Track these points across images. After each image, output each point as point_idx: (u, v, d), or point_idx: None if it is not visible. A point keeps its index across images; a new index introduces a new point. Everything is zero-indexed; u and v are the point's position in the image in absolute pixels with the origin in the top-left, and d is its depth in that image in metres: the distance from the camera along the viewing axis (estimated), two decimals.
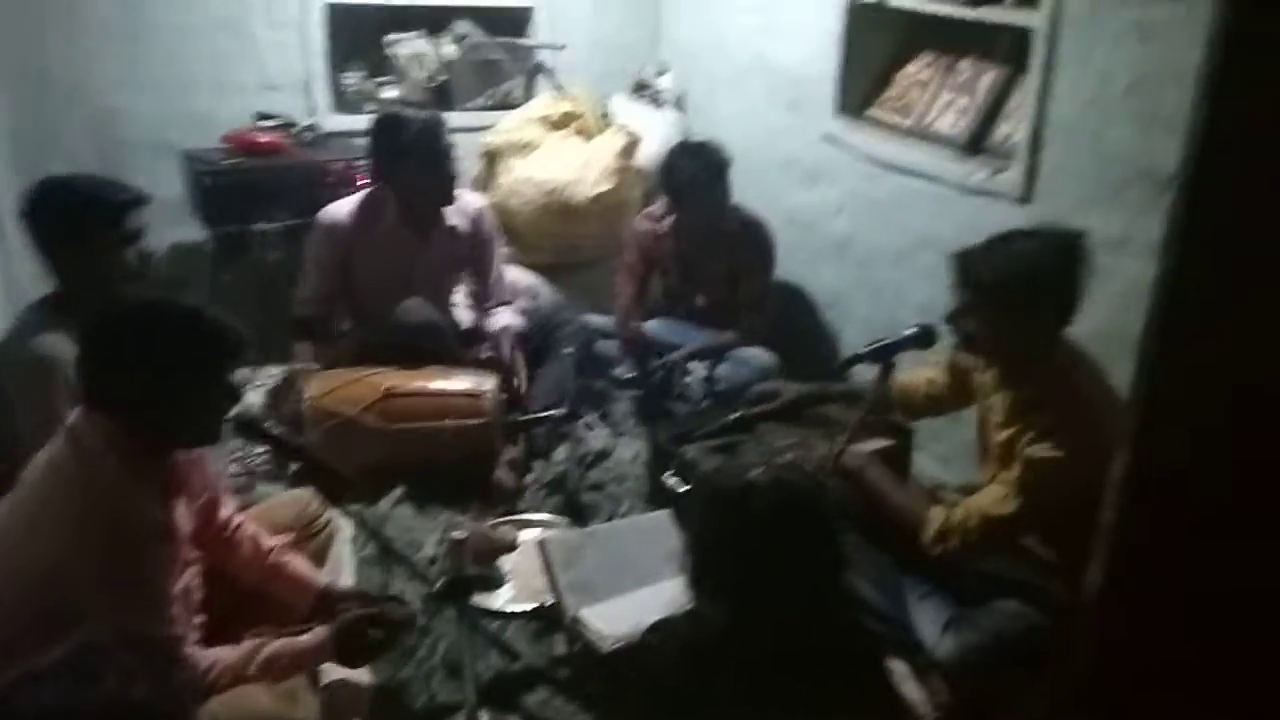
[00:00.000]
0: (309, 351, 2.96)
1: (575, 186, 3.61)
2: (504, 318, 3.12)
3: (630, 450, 2.99)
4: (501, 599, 2.34)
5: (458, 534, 1.79)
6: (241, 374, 3.07)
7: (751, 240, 3.24)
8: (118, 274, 2.15)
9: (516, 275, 3.52)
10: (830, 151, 3.29)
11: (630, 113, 3.94)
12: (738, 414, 2.61)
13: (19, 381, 2.11)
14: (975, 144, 2.80)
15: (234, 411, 1.77)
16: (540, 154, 3.71)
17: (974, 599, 2.04)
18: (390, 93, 3.83)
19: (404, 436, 2.71)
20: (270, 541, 2.05)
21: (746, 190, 3.27)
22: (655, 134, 3.80)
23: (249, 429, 1.85)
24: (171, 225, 3.28)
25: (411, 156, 2.87)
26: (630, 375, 3.28)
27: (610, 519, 2.64)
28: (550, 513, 2.69)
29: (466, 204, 3.14)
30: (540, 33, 4.06)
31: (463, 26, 3.95)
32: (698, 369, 3.18)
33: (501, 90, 4.04)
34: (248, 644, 1.80)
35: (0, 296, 2.73)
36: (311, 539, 2.19)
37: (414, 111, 2.96)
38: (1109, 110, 2.24)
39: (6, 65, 3.27)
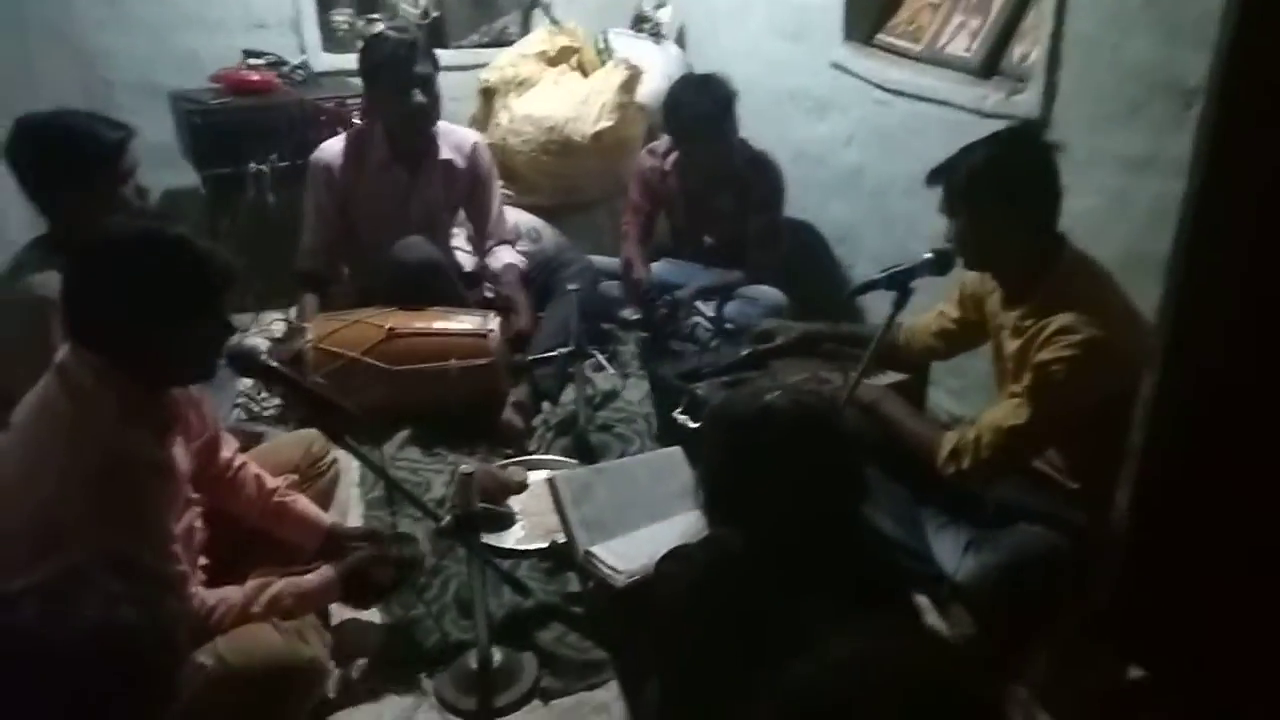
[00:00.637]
0: (314, 303, 2.92)
1: (575, 123, 3.52)
2: (506, 255, 3.07)
3: (638, 391, 2.94)
4: (512, 538, 2.31)
5: (465, 468, 1.73)
6: (243, 320, 3.05)
7: (759, 176, 3.16)
8: (115, 211, 2.08)
9: (518, 217, 3.45)
10: (839, 80, 3.19)
11: (630, 47, 3.83)
12: (748, 351, 2.58)
13: (13, 322, 2.05)
14: (990, 67, 2.70)
15: (231, 345, 1.71)
16: (538, 91, 3.62)
17: (994, 526, 2.01)
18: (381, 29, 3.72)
19: (408, 377, 2.66)
20: (274, 482, 2.01)
21: (752, 124, 3.18)
22: (656, 69, 3.71)
23: (246, 362, 1.79)
24: (163, 169, 3.20)
25: (384, 76, 2.79)
26: (636, 316, 3.22)
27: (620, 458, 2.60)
28: (559, 454, 2.65)
29: (462, 139, 3.07)
30: None
31: None
32: (706, 308, 3.13)
33: (496, 26, 3.94)
34: (253, 583, 1.77)
35: None
36: (317, 479, 2.16)
37: (393, 32, 2.86)
38: (1129, 22, 2.14)
39: None
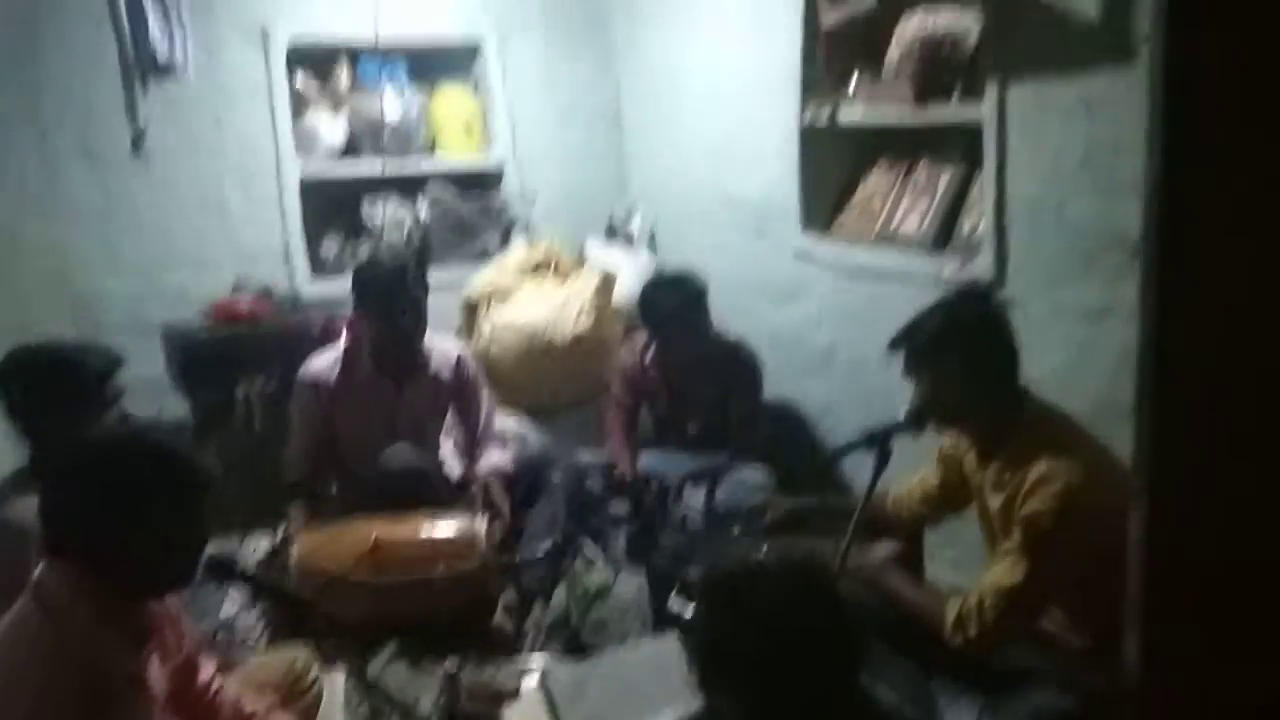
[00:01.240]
0: (302, 513, 2.91)
1: (555, 327, 3.63)
2: (494, 458, 3.09)
3: (631, 585, 2.85)
4: None
5: (449, 666, 1.67)
6: (229, 544, 3.01)
7: (736, 362, 3.23)
8: None
9: (503, 423, 3.49)
10: (802, 268, 3.33)
11: (604, 255, 4.02)
12: (738, 532, 2.55)
13: None
14: (942, 241, 2.84)
15: (209, 555, 1.68)
16: (518, 300, 3.75)
17: (1006, 691, 1.92)
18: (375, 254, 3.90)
19: (396, 589, 2.59)
20: (254, 705, 1.92)
21: (726, 314, 3.30)
22: (629, 273, 3.86)
23: (223, 570, 1.75)
24: (153, 402, 3.25)
25: (375, 299, 2.90)
26: (625, 511, 3.19)
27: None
28: (552, 654, 2.55)
29: (447, 352, 3.15)
30: (511, 186, 4.19)
31: (435, 189, 4.07)
32: (695, 496, 3.11)
33: (477, 245, 4.13)
34: None
35: None
36: (299, 698, 2.06)
37: (385, 256, 2.99)
38: (1068, 184, 2.27)
39: None
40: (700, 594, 1.44)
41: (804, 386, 3.42)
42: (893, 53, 2.92)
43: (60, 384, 2.12)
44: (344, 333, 3.28)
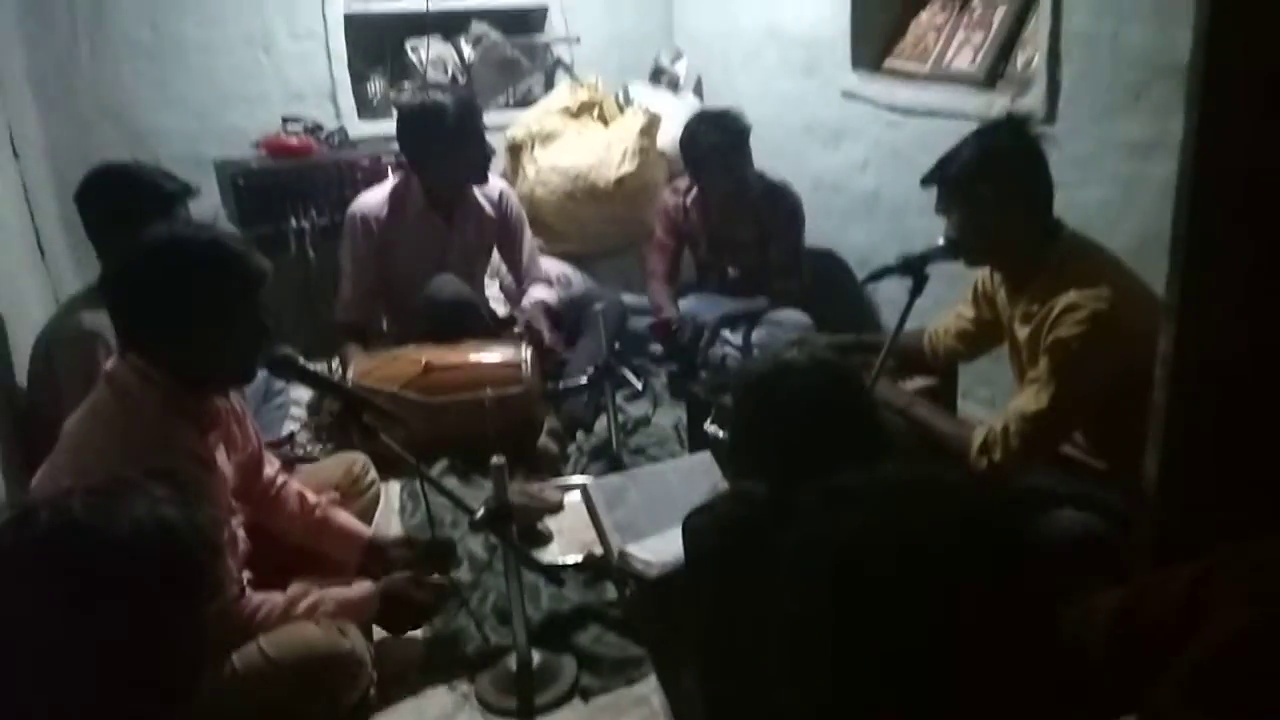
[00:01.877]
0: (356, 353, 2.99)
1: (599, 169, 3.64)
2: (538, 292, 3.16)
3: (670, 418, 2.98)
4: (550, 555, 2.34)
5: (497, 460, 1.78)
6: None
7: (778, 204, 3.24)
8: None
9: (548, 264, 3.55)
10: (850, 108, 3.28)
11: (649, 99, 3.98)
12: None
13: (64, 357, 2.16)
14: (994, 77, 2.78)
15: (269, 352, 1.79)
16: (562, 142, 3.75)
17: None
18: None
19: (446, 409, 2.72)
20: (316, 498, 2.06)
21: (771, 159, 3.28)
22: (674, 118, 3.82)
23: (284, 365, 1.86)
24: None
25: (450, 141, 2.91)
26: (664, 351, 3.29)
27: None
28: (594, 477, 2.67)
29: (490, 188, 3.18)
30: (555, 29, 4.13)
31: (479, 28, 4.03)
32: (733, 337, 3.18)
33: (521, 87, 4.11)
34: (295, 588, 1.82)
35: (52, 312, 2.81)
36: (358, 498, 2.21)
37: (446, 96, 2.98)
38: (1124, 12, 2.21)
39: (41, 87, 3.40)
40: (735, 385, 1.52)
41: (846, 232, 3.42)
42: None
43: (136, 203, 2.21)
44: (390, 171, 3.35)
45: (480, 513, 1.77)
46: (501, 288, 3.54)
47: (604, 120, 3.88)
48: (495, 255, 3.30)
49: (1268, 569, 0.95)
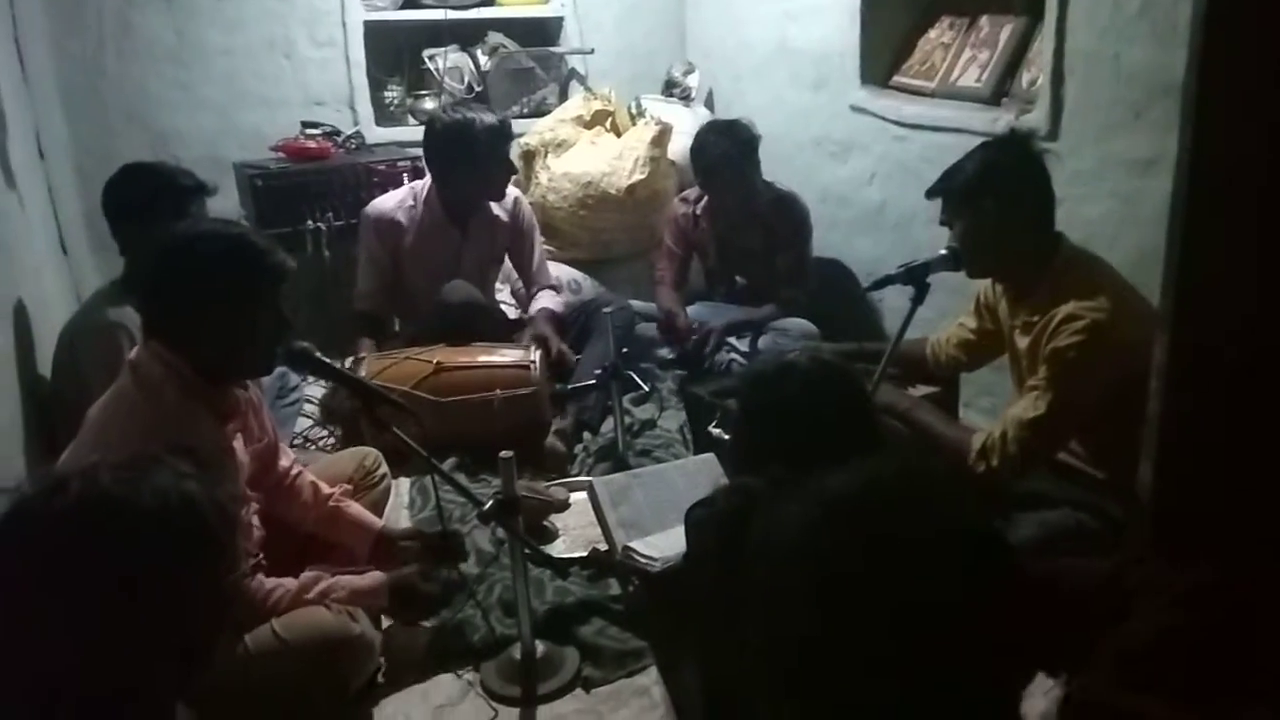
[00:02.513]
0: (370, 347, 3.06)
1: (610, 177, 3.70)
2: (545, 300, 3.22)
3: (675, 421, 3.03)
4: (556, 551, 2.38)
5: (505, 454, 1.83)
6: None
7: (785, 214, 3.29)
8: None
9: (559, 271, 3.61)
10: (858, 122, 3.34)
11: (661, 111, 4.04)
12: None
13: (88, 347, 2.23)
14: (999, 94, 2.84)
15: (287, 346, 1.85)
16: (575, 150, 3.82)
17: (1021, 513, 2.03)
18: (429, 104, 3.98)
19: (455, 409, 2.77)
20: (329, 489, 2.12)
21: (779, 171, 3.35)
22: (685, 129, 3.89)
23: (301, 359, 1.92)
24: None
25: (479, 163, 2.99)
26: (672, 355, 3.34)
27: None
28: (600, 476, 2.72)
29: (505, 195, 3.24)
30: (570, 40, 4.20)
31: (495, 38, 4.10)
32: (740, 344, 3.23)
33: (536, 97, 4.18)
34: (308, 574, 1.87)
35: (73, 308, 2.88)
36: (369, 490, 2.26)
37: (480, 116, 3.02)
38: (1126, 32, 2.26)
39: (68, 90, 3.48)
40: (739, 384, 1.57)
41: (852, 242, 3.48)
42: None
43: (160, 200, 2.28)
44: (405, 177, 3.42)
45: (488, 504, 1.82)
46: (512, 292, 3.60)
47: (616, 131, 3.94)
48: (507, 260, 3.37)
49: (1201, 578, 1.03)
